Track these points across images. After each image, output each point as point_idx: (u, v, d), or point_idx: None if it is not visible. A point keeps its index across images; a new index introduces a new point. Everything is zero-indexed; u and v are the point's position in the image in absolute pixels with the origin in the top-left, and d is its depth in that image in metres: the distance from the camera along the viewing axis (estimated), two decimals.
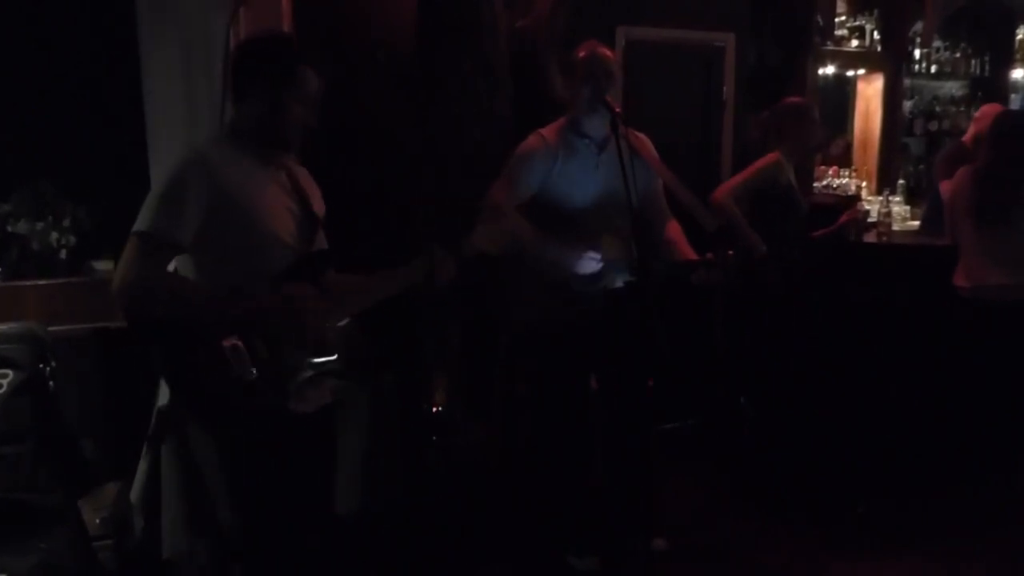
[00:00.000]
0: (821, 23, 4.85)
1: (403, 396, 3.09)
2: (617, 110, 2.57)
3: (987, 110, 4.48)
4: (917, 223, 4.64)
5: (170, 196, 1.83)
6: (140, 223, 1.82)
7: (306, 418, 1.95)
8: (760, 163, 3.59)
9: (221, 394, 1.82)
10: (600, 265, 2.68)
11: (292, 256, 1.97)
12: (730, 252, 2.63)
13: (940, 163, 4.53)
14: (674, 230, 2.90)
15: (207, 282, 1.88)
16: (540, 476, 2.98)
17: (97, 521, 2.79)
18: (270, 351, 1.86)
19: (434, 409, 3.13)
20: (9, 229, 3.03)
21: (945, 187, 4.14)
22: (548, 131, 2.78)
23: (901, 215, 4.55)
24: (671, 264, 2.79)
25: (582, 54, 2.73)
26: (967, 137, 4.51)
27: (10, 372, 2.53)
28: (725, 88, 4.35)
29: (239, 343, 1.83)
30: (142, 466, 2.60)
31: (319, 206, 2.09)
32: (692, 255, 2.78)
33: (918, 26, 5.08)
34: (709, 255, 2.66)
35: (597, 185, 2.73)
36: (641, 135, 2.80)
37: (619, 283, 2.70)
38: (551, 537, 3.00)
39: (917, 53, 5.16)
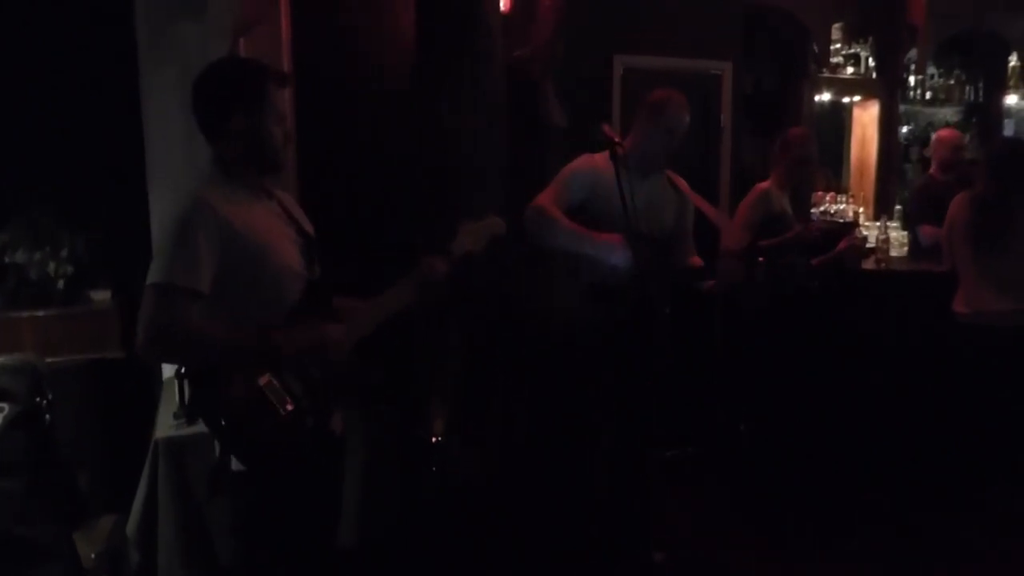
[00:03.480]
0: (816, 51, 4.89)
1: (401, 426, 3.08)
2: (617, 140, 2.61)
3: (943, 135, 4.57)
4: None
5: (182, 243, 1.77)
6: (155, 274, 1.76)
7: (329, 445, 1.98)
8: (747, 199, 3.74)
9: (262, 431, 1.82)
10: (631, 261, 2.74)
11: (303, 285, 1.96)
12: (760, 259, 2.71)
13: (912, 200, 4.60)
14: (698, 262, 3.07)
15: (228, 324, 1.83)
16: (541, 496, 2.99)
17: (92, 555, 2.74)
18: (304, 384, 1.88)
19: (433, 439, 3.11)
20: (6, 259, 3.01)
21: (926, 231, 4.23)
22: (598, 156, 2.89)
23: (899, 241, 4.56)
24: (684, 271, 2.99)
25: (663, 100, 2.91)
26: (932, 168, 4.58)
27: (6, 405, 2.49)
28: (722, 115, 4.38)
29: (273, 380, 1.83)
30: (138, 499, 2.58)
31: (309, 227, 2.08)
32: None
33: (912, 53, 5.13)
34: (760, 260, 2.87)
35: (635, 204, 2.80)
36: (679, 177, 3.04)
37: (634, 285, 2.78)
38: (550, 568, 2.98)
39: (912, 80, 5.20)
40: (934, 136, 4.72)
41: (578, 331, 2.91)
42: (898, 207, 4.90)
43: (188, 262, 1.76)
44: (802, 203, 4.00)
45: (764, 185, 3.70)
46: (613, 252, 2.72)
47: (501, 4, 3.59)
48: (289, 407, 1.84)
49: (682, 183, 3.01)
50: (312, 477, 1.95)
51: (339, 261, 2.15)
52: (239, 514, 1.98)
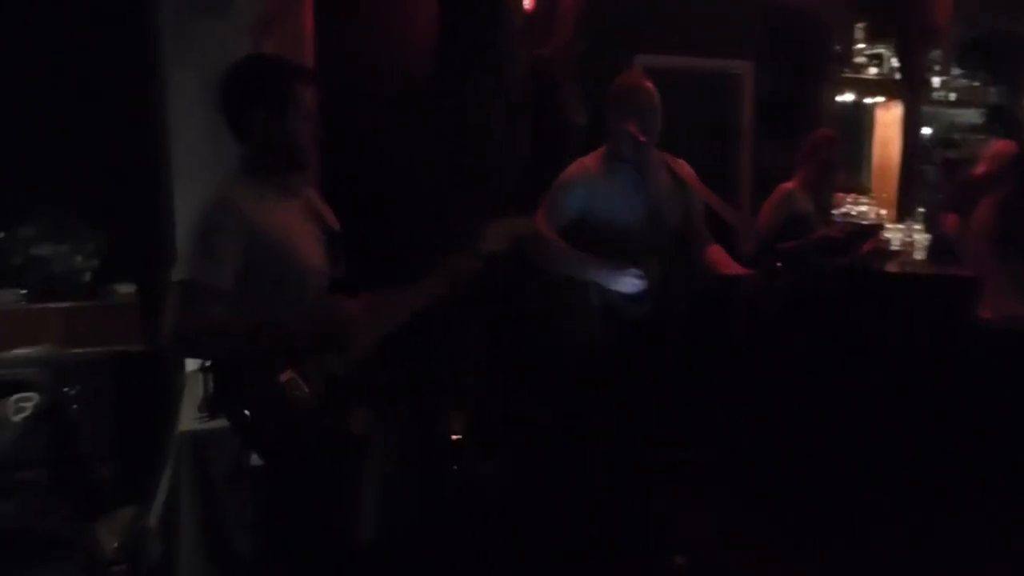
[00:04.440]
0: (838, 51, 4.86)
1: (422, 424, 3.09)
2: (641, 139, 2.60)
3: (1001, 147, 4.48)
4: None
5: (206, 241, 1.80)
6: (179, 272, 1.79)
7: (349, 444, 1.98)
8: (770, 200, 3.72)
9: (281, 427, 1.83)
10: (644, 285, 2.66)
11: (325, 281, 1.96)
12: (777, 264, 2.63)
13: (950, 192, 4.53)
14: (716, 251, 2.90)
15: (251, 322, 1.84)
16: (558, 498, 2.97)
17: (114, 546, 2.77)
18: (325, 382, 1.88)
19: (452, 437, 3.11)
20: (32, 252, 3.04)
21: (951, 221, 4.17)
22: (590, 158, 2.82)
23: (922, 244, 4.52)
24: (709, 280, 2.83)
25: (627, 87, 2.76)
26: (978, 172, 4.50)
27: (33, 396, 2.54)
28: (742, 115, 4.36)
29: (295, 375, 1.84)
30: (161, 492, 2.60)
31: (336, 225, 2.07)
32: (736, 270, 2.78)
33: (936, 54, 5.08)
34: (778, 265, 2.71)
35: (639, 208, 2.75)
36: (680, 160, 2.84)
37: (648, 307, 2.71)
38: (568, 571, 2.98)
39: (935, 81, 5.16)
40: (992, 146, 4.59)
41: (593, 335, 2.82)
42: (921, 209, 4.86)
43: (211, 260, 1.78)
44: (823, 204, 3.98)
45: (788, 186, 3.69)
46: (622, 280, 2.64)
47: (525, 3, 3.59)
48: (309, 404, 1.84)
49: (685, 168, 2.85)
50: (330, 475, 1.96)
51: (361, 260, 2.16)
52: (258, 509, 2.00)
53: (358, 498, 2.19)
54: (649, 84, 2.75)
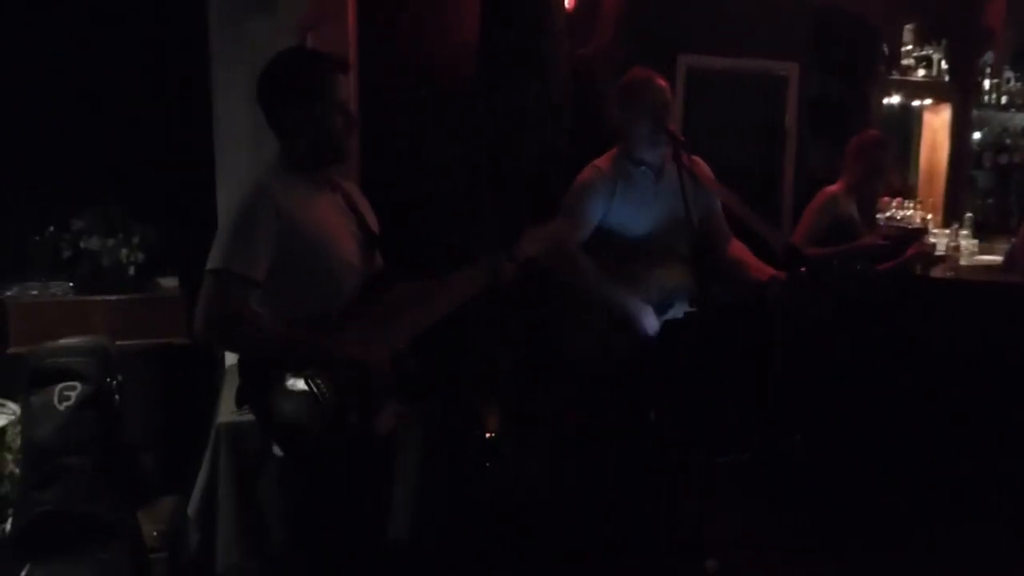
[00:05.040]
0: (887, 52, 4.77)
1: (454, 421, 3.09)
2: (681, 139, 2.56)
3: None
4: (986, 258, 4.50)
5: (241, 232, 1.81)
6: (214, 261, 1.80)
7: (375, 441, 1.97)
8: (813, 203, 3.65)
9: (304, 421, 1.83)
10: (657, 325, 2.63)
11: (359, 277, 1.96)
12: (803, 269, 2.56)
13: None
14: (738, 249, 2.84)
15: (281, 314, 1.85)
16: (589, 500, 2.93)
17: (155, 533, 2.83)
18: (351, 379, 1.87)
19: (487, 435, 3.11)
20: (81, 245, 3.11)
21: None
22: (603, 162, 2.76)
23: (969, 249, 4.42)
24: (737, 291, 2.75)
25: (637, 84, 2.69)
26: None
27: (79, 385, 2.59)
28: (787, 117, 4.29)
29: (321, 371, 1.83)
30: (199, 481, 2.64)
31: (373, 221, 2.08)
32: (762, 270, 2.71)
33: (988, 56, 4.95)
34: (780, 273, 2.60)
35: (657, 212, 2.71)
36: (696, 158, 2.76)
37: (680, 313, 2.66)
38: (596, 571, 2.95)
39: (987, 84, 5.03)
40: None
41: (610, 363, 2.77)
42: (968, 215, 4.75)
43: (244, 250, 1.79)
44: (867, 208, 3.90)
45: (832, 189, 3.63)
46: (641, 316, 2.61)
47: (566, 3, 3.58)
48: (333, 401, 1.82)
49: (701, 167, 2.76)
50: (354, 472, 1.95)
51: (399, 260, 2.17)
52: (288, 501, 2.01)
53: (386, 496, 2.18)
54: (662, 80, 2.68)
